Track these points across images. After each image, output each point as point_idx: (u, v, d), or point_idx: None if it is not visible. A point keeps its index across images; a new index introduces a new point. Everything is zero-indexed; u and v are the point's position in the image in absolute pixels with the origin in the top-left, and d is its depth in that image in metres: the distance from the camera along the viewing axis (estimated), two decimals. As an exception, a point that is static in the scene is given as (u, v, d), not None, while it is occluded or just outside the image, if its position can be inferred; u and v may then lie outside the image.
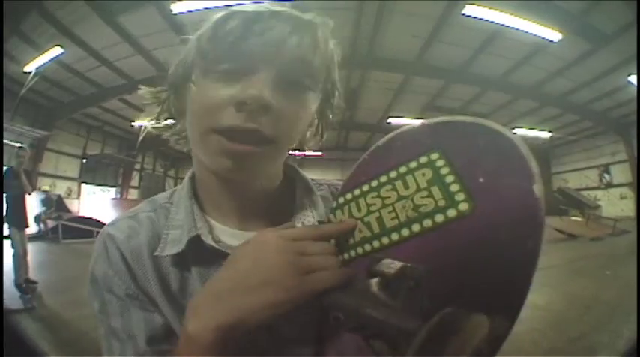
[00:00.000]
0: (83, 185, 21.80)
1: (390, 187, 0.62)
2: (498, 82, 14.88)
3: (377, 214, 0.62)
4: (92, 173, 22.07)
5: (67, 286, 6.77)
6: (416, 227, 0.56)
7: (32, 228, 11.73)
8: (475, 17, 10.55)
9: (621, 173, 18.83)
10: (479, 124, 0.60)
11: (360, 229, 0.64)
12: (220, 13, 0.77)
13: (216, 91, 0.73)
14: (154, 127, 0.99)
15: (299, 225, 0.85)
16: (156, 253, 0.80)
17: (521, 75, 14.24)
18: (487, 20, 10.63)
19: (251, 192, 0.86)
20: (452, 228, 0.53)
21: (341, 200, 0.71)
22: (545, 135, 19.34)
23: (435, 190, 0.56)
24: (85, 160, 21.69)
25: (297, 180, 0.97)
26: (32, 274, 6.66)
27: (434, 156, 0.59)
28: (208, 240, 0.78)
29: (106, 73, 15.09)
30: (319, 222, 0.81)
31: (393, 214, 0.59)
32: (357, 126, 20.50)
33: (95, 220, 13.31)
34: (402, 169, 0.62)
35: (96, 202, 19.68)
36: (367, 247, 0.62)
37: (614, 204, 18.96)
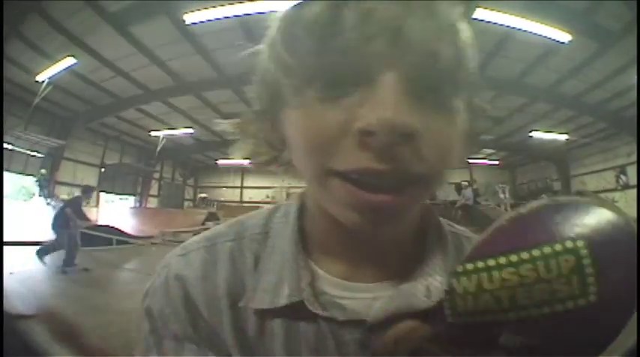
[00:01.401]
0: (102, 193, 21.90)
1: (531, 266, 0.57)
2: (513, 85, 14.74)
3: (511, 291, 0.57)
4: (111, 182, 22.26)
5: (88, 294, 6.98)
6: (546, 309, 0.56)
7: (50, 235, 12.01)
8: (485, 21, 10.44)
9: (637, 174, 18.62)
10: (617, 216, 0.57)
11: (486, 300, 0.59)
12: (287, 10, 0.58)
13: (324, 118, 0.52)
14: (252, 163, 0.77)
15: (421, 287, 0.65)
16: (241, 305, 0.64)
17: (534, 77, 14.14)
18: (497, 24, 10.57)
19: (379, 241, 0.66)
20: (572, 313, 0.55)
21: (469, 266, 0.59)
22: (562, 137, 19.15)
23: (574, 279, 0.55)
24: (103, 169, 21.95)
25: (430, 221, 0.75)
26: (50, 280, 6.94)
27: (579, 243, 0.56)
28: (315, 307, 0.61)
29: (122, 83, 15.21)
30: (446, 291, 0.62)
31: (528, 294, 0.56)
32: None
33: (114, 228, 13.68)
34: (546, 250, 0.57)
35: (115, 211, 19.88)
36: (488, 317, 0.59)
37: (631, 205, 18.71)
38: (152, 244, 14.40)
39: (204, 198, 26.91)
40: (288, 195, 26.16)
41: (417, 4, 0.52)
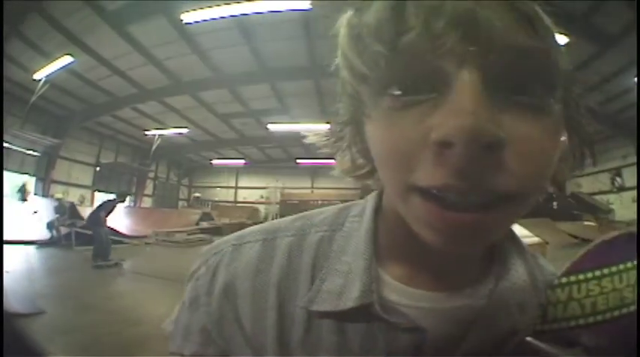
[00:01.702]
0: (96, 193, 21.86)
1: (609, 279, 0.68)
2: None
3: (593, 299, 0.67)
4: (105, 181, 22.22)
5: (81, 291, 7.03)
6: (616, 312, 0.66)
7: (45, 234, 12.00)
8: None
9: (633, 176, 18.72)
10: None
11: (573, 307, 0.68)
12: (349, 15, 0.54)
13: (401, 129, 0.47)
14: (353, 177, 0.69)
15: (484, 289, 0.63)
16: (302, 306, 0.61)
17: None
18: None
19: (456, 256, 0.61)
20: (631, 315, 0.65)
21: (564, 280, 0.69)
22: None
23: (636, 287, 0.66)
24: (98, 168, 21.93)
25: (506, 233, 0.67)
26: (46, 279, 6.97)
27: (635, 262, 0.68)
28: (383, 313, 0.58)
29: (118, 82, 15.17)
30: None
31: (605, 301, 0.66)
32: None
33: (109, 227, 13.53)
34: (621, 267, 0.68)
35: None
36: (572, 322, 0.67)
37: (626, 207, 18.84)
38: (146, 244, 14.46)
39: (198, 198, 26.90)
40: (282, 195, 26.29)
41: None
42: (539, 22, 0.47)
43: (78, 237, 12.13)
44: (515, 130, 0.44)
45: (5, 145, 16.45)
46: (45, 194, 18.02)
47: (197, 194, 27.56)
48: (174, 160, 26.76)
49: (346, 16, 0.54)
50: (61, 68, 13.17)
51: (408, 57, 0.46)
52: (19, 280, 7.35)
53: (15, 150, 17.12)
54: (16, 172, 17.97)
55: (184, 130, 20.01)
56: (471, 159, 0.42)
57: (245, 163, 27.37)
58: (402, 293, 0.61)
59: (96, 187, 21.95)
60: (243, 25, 10.61)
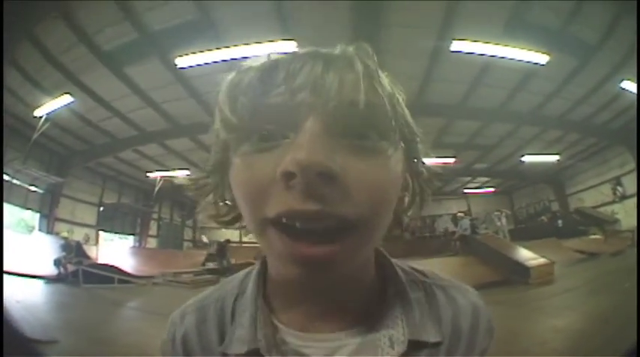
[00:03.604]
0: (101, 232, 21.76)
1: None
2: (498, 112, 14.91)
3: None
4: (110, 221, 22.19)
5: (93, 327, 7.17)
6: None
7: (52, 270, 12.28)
8: (464, 52, 10.75)
9: (633, 183, 18.52)
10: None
11: None
12: (231, 75, 0.66)
13: (256, 167, 0.58)
14: (218, 223, 0.86)
15: (385, 340, 0.69)
16: (220, 350, 0.74)
17: (518, 102, 14.28)
18: (476, 54, 10.83)
19: (334, 291, 0.70)
20: None
21: None
22: (553, 158, 19.23)
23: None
24: (101, 209, 21.89)
25: (387, 270, 0.79)
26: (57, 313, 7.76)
27: None
28: (270, 354, 0.68)
29: (118, 124, 15.41)
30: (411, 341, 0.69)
31: None
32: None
33: (115, 267, 13.82)
34: None
35: (114, 250, 19.87)
36: None
37: (631, 215, 18.59)
38: (153, 284, 14.43)
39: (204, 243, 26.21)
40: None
41: (339, 59, 0.61)
42: (374, 81, 0.61)
43: (85, 275, 12.28)
44: (350, 164, 0.56)
45: (7, 178, 16.66)
46: (49, 231, 18.09)
47: (205, 240, 26.91)
48: (178, 200, 26.66)
49: (229, 77, 0.67)
50: (60, 107, 13.37)
51: (269, 110, 0.58)
52: (30, 309, 7.44)
53: (18, 185, 17.27)
54: (19, 206, 18.10)
55: (185, 172, 19.88)
56: (308, 185, 0.52)
57: (218, 223, 26.94)
58: (302, 338, 0.72)
59: (100, 226, 21.82)
60: (237, 68, 10.70)
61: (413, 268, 0.84)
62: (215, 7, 9.33)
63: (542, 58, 11.11)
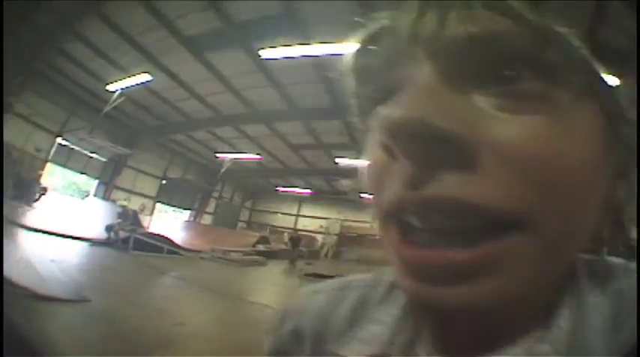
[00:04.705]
0: (158, 204, 22.70)
1: None
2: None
3: None
4: (169, 194, 22.96)
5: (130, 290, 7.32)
6: None
7: (101, 235, 12.73)
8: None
9: None
10: None
11: None
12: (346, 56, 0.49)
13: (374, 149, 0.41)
14: None
15: None
16: (333, 348, 0.57)
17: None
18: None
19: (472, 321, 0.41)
20: None
21: None
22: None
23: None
24: (164, 182, 22.64)
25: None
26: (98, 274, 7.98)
27: None
28: None
29: (196, 105, 15.69)
30: None
31: None
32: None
33: (166, 237, 14.04)
34: None
35: (168, 221, 20.62)
36: None
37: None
38: (201, 258, 14.65)
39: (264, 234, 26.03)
40: (341, 227, 25.93)
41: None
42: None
43: (135, 242, 12.59)
44: (500, 127, 0.35)
45: (67, 143, 17.55)
46: (106, 198, 18.93)
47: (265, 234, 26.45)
48: (241, 183, 27.11)
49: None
50: (138, 84, 13.68)
51: (382, 74, 0.42)
52: (66, 269, 7.70)
53: (77, 151, 18.29)
54: (77, 172, 19.38)
55: (256, 157, 20.32)
56: (413, 156, 0.34)
57: (310, 193, 27.39)
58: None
59: (160, 198, 22.68)
60: (318, 64, 10.75)
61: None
62: (298, 3, 9.28)
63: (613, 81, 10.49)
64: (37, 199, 15.38)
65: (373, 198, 0.43)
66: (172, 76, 13.45)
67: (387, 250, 0.43)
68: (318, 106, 13.81)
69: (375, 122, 0.41)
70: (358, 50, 0.46)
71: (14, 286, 4.90)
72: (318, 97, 13.18)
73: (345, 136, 15.73)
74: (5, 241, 7.29)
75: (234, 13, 10.00)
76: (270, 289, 11.18)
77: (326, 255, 22.91)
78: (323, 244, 24.64)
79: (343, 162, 18.34)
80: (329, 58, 9.89)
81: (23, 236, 9.87)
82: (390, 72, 0.40)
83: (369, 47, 0.44)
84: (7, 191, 13.91)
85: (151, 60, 12.46)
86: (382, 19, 0.44)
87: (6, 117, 14.87)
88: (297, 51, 10.22)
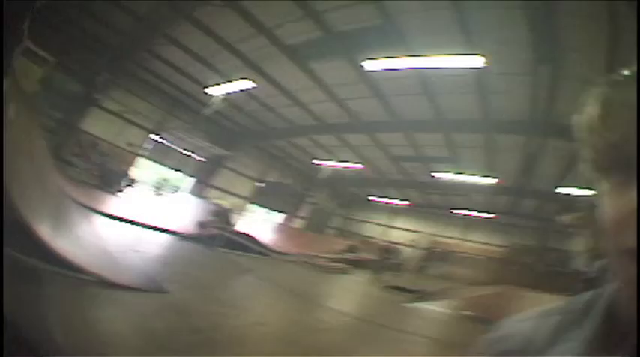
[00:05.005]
0: (250, 205, 23.01)
1: None
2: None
3: None
4: (264, 196, 23.27)
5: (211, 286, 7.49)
6: None
7: (191, 230, 13.08)
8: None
9: None
10: None
11: None
12: (601, 88, 0.52)
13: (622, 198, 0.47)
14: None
15: None
16: None
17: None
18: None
19: None
20: None
21: None
22: None
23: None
24: (260, 184, 23.00)
25: None
26: (181, 267, 8.20)
27: None
28: None
29: (299, 112, 15.79)
30: None
31: None
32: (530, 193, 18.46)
33: (255, 238, 14.34)
34: None
35: (259, 222, 20.65)
36: None
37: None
38: (287, 261, 14.69)
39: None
40: (430, 242, 25.25)
41: None
42: None
43: (224, 240, 12.91)
44: None
45: (162, 141, 18.50)
46: (199, 195, 19.57)
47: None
48: (336, 190, 27.13)
49: (599, 90, 0.53)
50: (239, 90, 13.88)
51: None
52: (148, 260, 7.95)
53: (173, 149, 19.27)
54: (170, 168, 20.26)
55: (356, 166, 20.00)
56: None
57: (404, 205, 26.86)
58: None
59: (256, 201, 23.04)
60: (421, 76, 10.50)
61: None
62: (400, 15, 9.04)
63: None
64: (122, 190, 16.23)
65: (610, 232, 0.49)
66: (275, 83, 13.53)
67: (619, 277, 0.50)
68: (420, 117, 13.48)
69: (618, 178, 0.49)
70: (597, 119, 0.51)
71: (83, 271, 5.11)
72: (420, 109, 12.97)
73: (443, 149, 15.39)
74: (82, 228, 7.91)
75: (334, 24, 10.05)
76: (350, 297, 11.13)
77: (411, 268, 22.52)
78: (409, 258, 24.19)
79: (440, 176, 17.81)
80: (431, 71, 9.81)
81: (103, 224, 10.18)
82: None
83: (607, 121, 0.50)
84: (91, 180, 14.94)
85: (252, 67, 12.63)
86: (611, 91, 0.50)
87: (92, 111, 16.19)
88: (399, 63, 9.92)
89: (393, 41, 9.77)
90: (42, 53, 8.62)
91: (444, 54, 9.21)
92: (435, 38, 9.13)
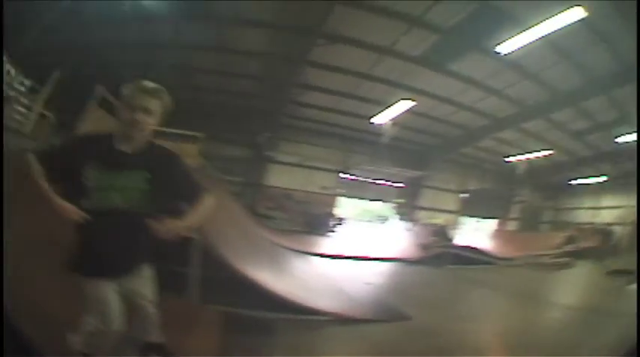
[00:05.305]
0: (461, 217, 23.04)
1: None
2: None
3: None
4: (471, 206, 23.33)
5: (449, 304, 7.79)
6: None
7: (414, 254, 13.79)
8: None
9: None
10: None
11: None
12: None
13: None
14: None
15: None
16: None
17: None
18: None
19: None
20: None
21: None
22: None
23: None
24: (464, 195, 23.31)
25: None
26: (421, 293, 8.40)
27: None
28: None
29: (468, 115, 16.33)
30: None
31: None
32: None
33: (477, 248, 14.73)
34: None
35: (474, 233, 20.81)
36: None
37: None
38: (512, 265, 14.64)
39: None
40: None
41: None
42: None
43: (449, 257, 13.36)
44: None
45: (352, 177, 20.35)
46: (410, 219, 20.53)
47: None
48: (537, 183, 25.96)
49: None
50: (403, 112, 14.68)
51: None
52: (382, 290, 8.37)
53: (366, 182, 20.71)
54: (370, 200, 22.08)
55: (544, 153, 19.39)
56: None
57: (602, 181, 24.63)
58: None
59: (464, 212, 23.24)
60: (551, 42, 10.34)
61: None
62: None
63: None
64: (333, 230, 17.44)
65: None
66: (430, 95, 14.43)
67: None
68: (574, 86, 13.09)
69: None
70: None
71: (319, 313, 5.37)
72: (569, 77, 12.50)
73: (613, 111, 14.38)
74: (302, 271, 8.49)
75: (441, 23, 10.58)
76: (578, 290, 10.93)
77: (624, 247, 20.28)
78: (621, 236, 21.77)
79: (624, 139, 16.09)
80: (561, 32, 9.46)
81: (323, 265, 10.74)
82: None
83: None
84: (296, 227, 16.52)
85: (399, 87, 13.73)
86: None
87: (270, 167, 19.26)
88: (525, 38, 9.87)
89: (504, 19, 9.99)
90: (190, 133, 9.66)
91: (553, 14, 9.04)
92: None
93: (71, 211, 2.07)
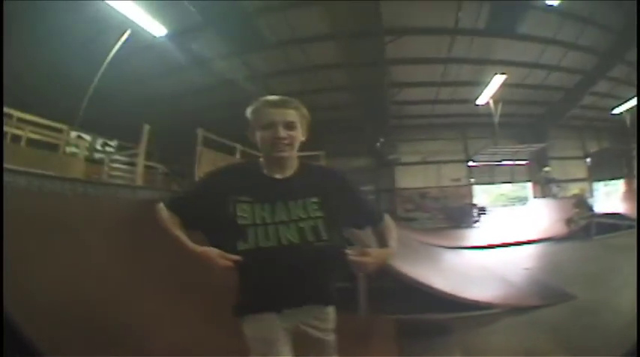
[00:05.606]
0: (593, 183, 22.73)
1: None
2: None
3: None
4: (599, 169, 22.73)
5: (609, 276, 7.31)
6: None
7: (561, 230, 13.44)
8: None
9: None
10: None
11: None
12: None
13: None
14: None
15: None
16: None
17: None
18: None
19: None
20: None
21: None
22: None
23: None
24: (588, 159, 22.95)
25: None
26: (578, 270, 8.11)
27: None
28: None
29: (558, 76, 16.77)
30: None
31: None
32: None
33: (620, 213, 14.25)
34: None
35: (609, 197, 20.33)
36: None
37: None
38: None
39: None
40: None
41: None
42: None
43: (595, 227, 12.82)
44: None
45: (478, 163, 20.41)
46: (549, 195, 20.07)
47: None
48: None
49: None
50: (499, 88, 15.75)
51: None
52: (541, 273, 8.12)
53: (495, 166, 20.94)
54: (501, 183, 22.38)
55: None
56: None
57: None
58: None
59: (592, 177, 22.86)
60: None
61: None
62: None
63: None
64: (478, 220, 16.57)
65: None
66: (514, 63, 15.12)
67: None
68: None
69: None
70: None
71: (491, 306, 5.39)
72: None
73: None
74: (458, 267, 8.49)
75: None
76: None
77: None
78: None
79: None
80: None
81: (480, 256, 10.71)
82: None
83: None
84: (440, 223, 15.86)
85: (485, 63, 14.82)
86: None
87: (397, 170, 20.02)
88: None
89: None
90: (312, 153, 9.49)
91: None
92: None
93: (218, 257, 1.72)
